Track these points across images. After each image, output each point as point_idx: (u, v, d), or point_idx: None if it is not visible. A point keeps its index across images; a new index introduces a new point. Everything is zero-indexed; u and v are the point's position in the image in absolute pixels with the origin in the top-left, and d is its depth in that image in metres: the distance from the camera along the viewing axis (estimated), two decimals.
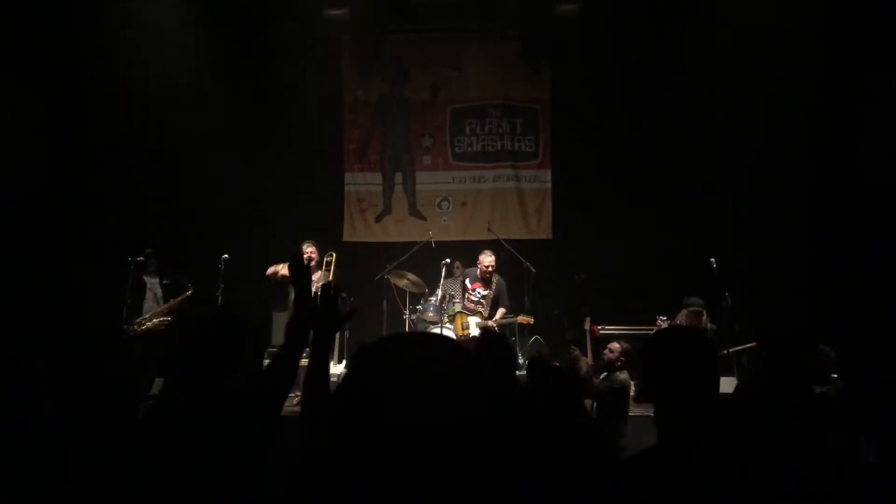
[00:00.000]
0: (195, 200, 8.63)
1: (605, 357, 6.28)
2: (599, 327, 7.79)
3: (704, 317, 7.14)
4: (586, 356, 7.60)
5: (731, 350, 6.91)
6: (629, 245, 8.66)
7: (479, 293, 7.71)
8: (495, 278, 7.81)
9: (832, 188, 8.38)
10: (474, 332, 7.55)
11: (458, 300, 7.79)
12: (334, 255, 7.44)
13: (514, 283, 8.17)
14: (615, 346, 6.67)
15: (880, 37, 7.82)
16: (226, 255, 7.42)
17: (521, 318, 7.68)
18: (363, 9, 9.13)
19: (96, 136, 8.50)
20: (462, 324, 7.63)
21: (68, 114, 8.34)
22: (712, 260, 7.40)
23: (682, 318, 7.29)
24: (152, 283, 7.58)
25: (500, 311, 7.77)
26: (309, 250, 7.31)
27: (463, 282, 7.85)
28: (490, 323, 7.63)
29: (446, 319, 7.75)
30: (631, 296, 8.18)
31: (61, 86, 8.26)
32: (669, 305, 7.48)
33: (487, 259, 7.76)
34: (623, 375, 5.22)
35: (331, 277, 7.28)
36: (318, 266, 7.39)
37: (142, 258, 7.32)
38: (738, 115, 8.37)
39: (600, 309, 7.98)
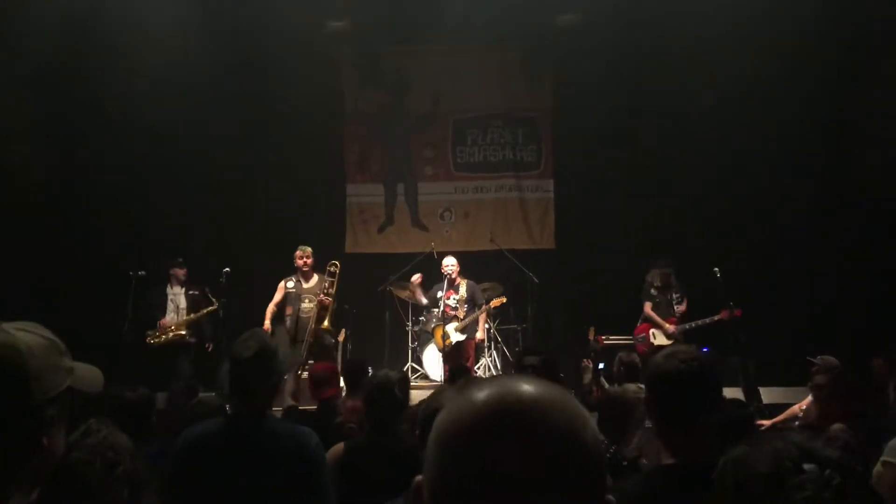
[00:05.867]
0: (196, 213, 8.63)
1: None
2: (603, 337, 7.76)
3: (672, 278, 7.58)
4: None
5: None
6: (632, 254, 8.63)
7: (453, 299, 7.69)
8: (463, 281, 7.77)
9: (833, 196, 8.38)
10: (455, 337, 7.53)
11: (435, 313, 7.75)
12: (338, 264, 7.39)
13: (517, 294, 8.13)
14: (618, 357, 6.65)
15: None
16: (227, 269, 7.38)
17: (494, 302, 7.64)
18: (363, 20, 9.14)
19: (94, 150, 8.53)
20: (441, 335, 7.60)
21: (68, 124, 8.38)
22: (716, 269, 7.36)
23: (652, 277, 7.60)
24: (175, 295, 7.52)
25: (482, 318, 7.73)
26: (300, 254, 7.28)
27: (435, 295, 7.80)
28: (467, 321, 7.61)
29: (428, 336, 7.76)
30: (634, 306, 8.13)
31: (62, 94, 8.31)
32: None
33: (445, 261, 7.78)
34: (617, 388, 5.13)
35: (333, 289, 7.26)
36: (313, 271, 7.33)
37: (143, 272, 7.32)
38: (740, 124, 8.37)
39: (604, 319, 7.95)
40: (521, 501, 0.67)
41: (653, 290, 7.62)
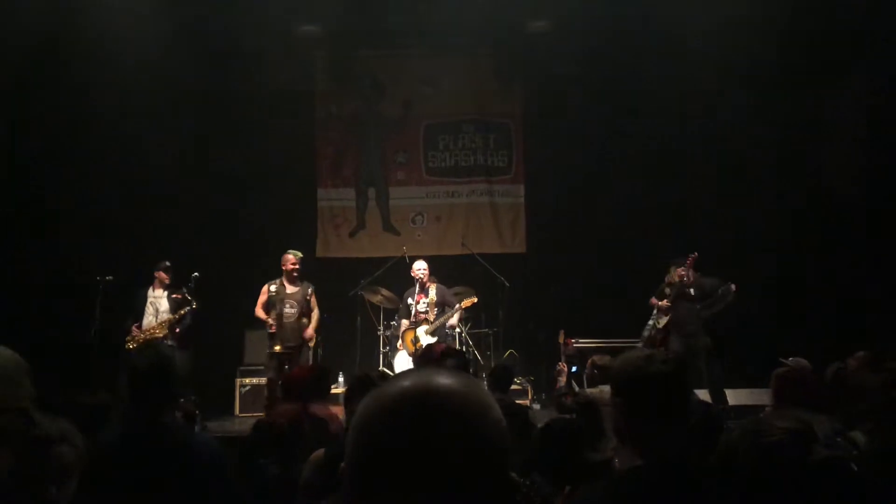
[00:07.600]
0: (165, 217, 8.54)
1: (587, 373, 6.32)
2: (573, 340, 7.84)
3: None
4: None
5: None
6: (602, 259, 8.72)
7: (423, 303, 7.71)
8: (432, 284, 7.79)
9: (803, 199, 8.55)
10: (425, 340, 7.53)
11: (406, 320, 7.75)
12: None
13: (488, 297, 8.17)
14: (590, 360, 6.73)
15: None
16: (196, 273, 7.30)
17: (465, 303, 7.63)
18: (336, 25, 9.13)
19: (64, 153, 8.40)
20: (411, 339, 7.62)
21: (34, 128, 8.24)
22: (682, 272, 7.46)
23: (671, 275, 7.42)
24: (156, 298, 7.40)
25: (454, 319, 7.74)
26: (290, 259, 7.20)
27: (406, 301, 7.82)
28: (437, 323, 7.61)
29: (397, 342, 7.74)
30: (604, 309, 8.23)
31: (26, 97, 8.17)
32: (642, 318, 7.55)
33: (415, 265, 7.77)
34: (593, 390, 5.19)
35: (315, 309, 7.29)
36: (300, 279, 7.28)
37: (110, 278, 7.23)
38: (711, 129, 8.49)
39: (574, 322, 8.03)
40: (434, 478, 0.77)
41: (666, 290, 7.50)
